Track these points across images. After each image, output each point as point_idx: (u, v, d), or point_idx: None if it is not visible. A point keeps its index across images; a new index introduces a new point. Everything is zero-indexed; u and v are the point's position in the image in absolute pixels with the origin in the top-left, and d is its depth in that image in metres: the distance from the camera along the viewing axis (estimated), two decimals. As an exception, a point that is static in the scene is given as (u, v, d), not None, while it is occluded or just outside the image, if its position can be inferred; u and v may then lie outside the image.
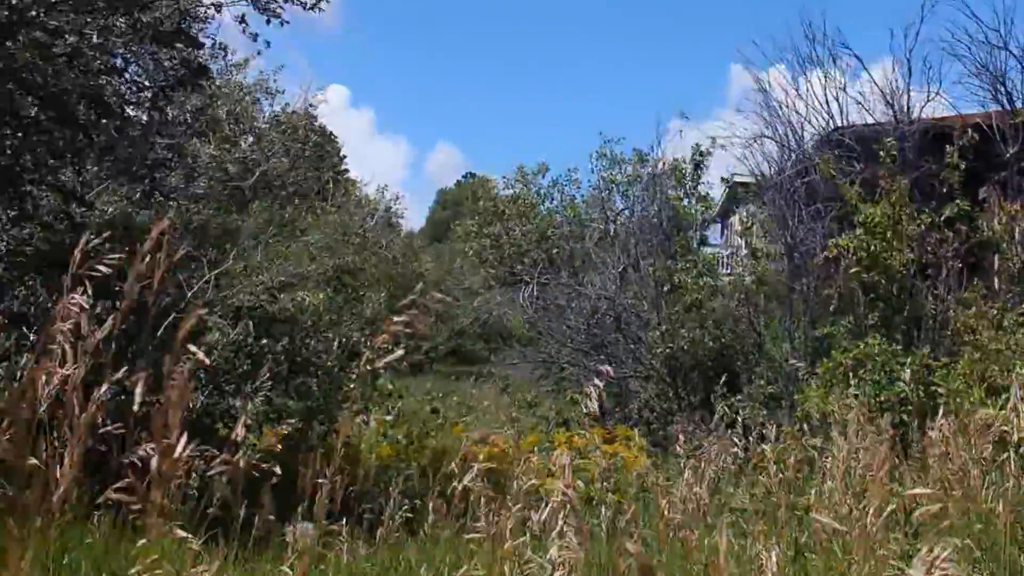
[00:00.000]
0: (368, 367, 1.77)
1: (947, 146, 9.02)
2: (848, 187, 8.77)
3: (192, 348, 1.40)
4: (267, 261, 8.90)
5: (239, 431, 2.43)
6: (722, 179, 12.89)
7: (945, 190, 8.72)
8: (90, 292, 2.11)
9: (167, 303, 6.29)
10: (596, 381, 2.58)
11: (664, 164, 12.39)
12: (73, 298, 2.04)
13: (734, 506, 4.91)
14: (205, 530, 4.43)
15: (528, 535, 3.11)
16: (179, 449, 1.40)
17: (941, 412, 5.19)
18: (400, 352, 1.84)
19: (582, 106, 76.70)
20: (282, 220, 11.04)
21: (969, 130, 9.18)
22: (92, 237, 2.45)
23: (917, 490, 2.53)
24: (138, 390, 1.55)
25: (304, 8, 6.79)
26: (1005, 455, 4.76)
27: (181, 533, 1.48)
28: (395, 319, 1.72)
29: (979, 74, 10.63)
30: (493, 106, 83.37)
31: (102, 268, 2.08)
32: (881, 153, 8.59)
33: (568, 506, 2.30)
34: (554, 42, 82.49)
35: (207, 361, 1.36)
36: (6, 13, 5.74)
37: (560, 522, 2.31)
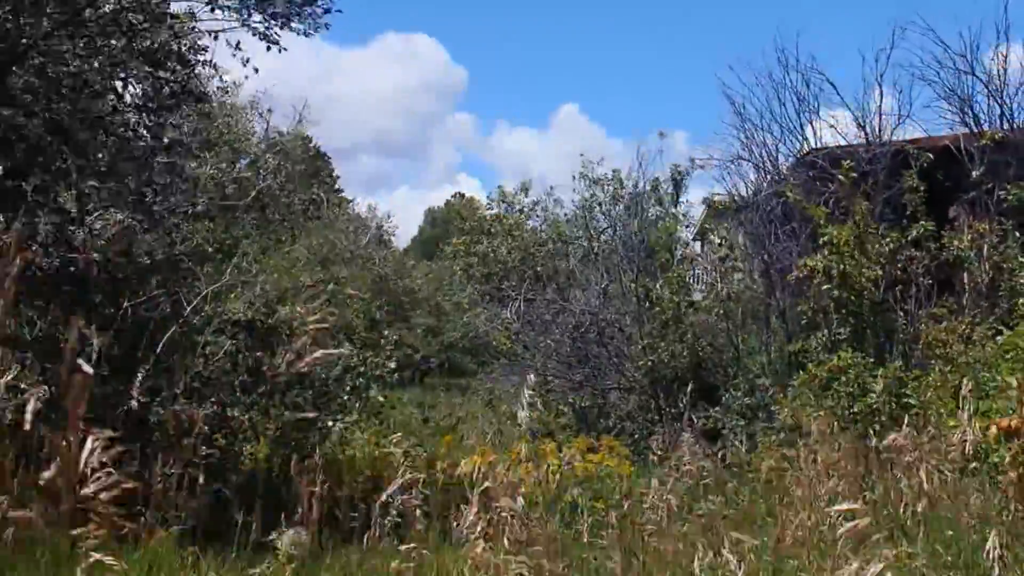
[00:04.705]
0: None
1: (903, 171, 9.36)
2: (817, 208, 9.09)
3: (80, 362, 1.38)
4: (261, 275, 9.12)
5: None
6: (703, 200, 13.28)
7: (910, 211, 9.05)
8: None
9: (164, 318, 6.49)
10: (526, 391, 2.72)
11: (645, 183, 12.72)
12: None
13: (706, 511, 5.14)
14: (204, 536, 4.62)
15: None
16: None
17: (907, 423, 5.42)
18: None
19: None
20: (278, 237, 11.25)
21: (926, 153, 9.53)
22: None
23: (843, 506, 2.73)
24: (29, 407, 1.60)
25: (298, 35, 7.00)
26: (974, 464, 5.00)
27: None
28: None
29: (947, 98, 11.01)
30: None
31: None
32: (840, 177, 8.91)
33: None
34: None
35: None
36: (9, 42, 5.95)
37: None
